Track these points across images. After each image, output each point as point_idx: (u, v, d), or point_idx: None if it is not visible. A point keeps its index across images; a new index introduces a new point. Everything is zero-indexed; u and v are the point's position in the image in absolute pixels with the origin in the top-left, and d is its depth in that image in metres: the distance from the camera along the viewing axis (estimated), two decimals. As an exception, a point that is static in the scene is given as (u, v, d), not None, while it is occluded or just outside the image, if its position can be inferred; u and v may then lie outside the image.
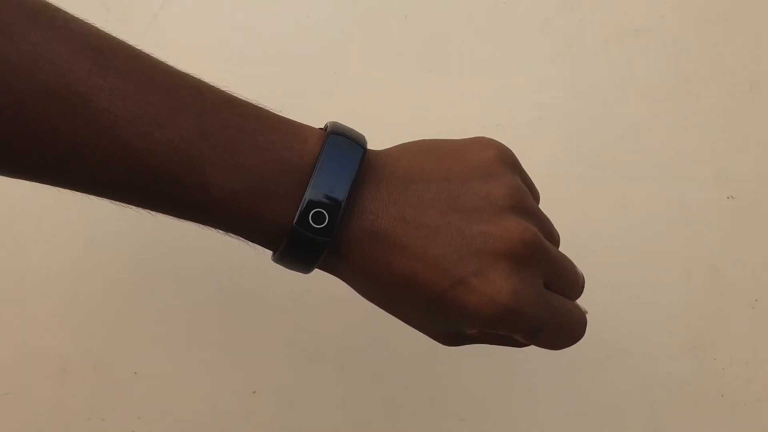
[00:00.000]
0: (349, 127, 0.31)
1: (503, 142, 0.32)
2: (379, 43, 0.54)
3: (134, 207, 0.29)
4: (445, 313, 0.30)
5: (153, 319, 0.52)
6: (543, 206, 0.32)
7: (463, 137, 0.33)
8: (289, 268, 0.31)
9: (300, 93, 0.52)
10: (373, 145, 0.31)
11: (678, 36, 0.56)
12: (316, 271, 0.31)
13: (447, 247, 0.29)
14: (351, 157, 0.29)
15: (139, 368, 0.52)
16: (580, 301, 0.33)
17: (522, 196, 0.31)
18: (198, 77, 0.29)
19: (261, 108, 0.30)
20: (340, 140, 0.30)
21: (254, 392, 0.53)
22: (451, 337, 0.33)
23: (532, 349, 0.33)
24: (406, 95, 0.54)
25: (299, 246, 0.29)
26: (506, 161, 0.32)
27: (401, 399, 0.54)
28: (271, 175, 0.28)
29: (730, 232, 0.55)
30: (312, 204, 0.28)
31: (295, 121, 0.30)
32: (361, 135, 0.31)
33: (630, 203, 0.55)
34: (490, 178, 0.31)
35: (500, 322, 0.29)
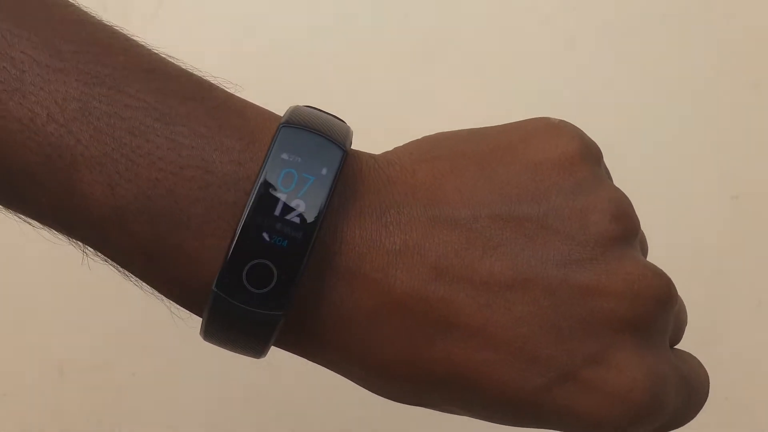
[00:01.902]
0: (320, 113, 0.20)
1: None
2: (379, 42, 0.54)
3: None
4: (531, 420, 0.19)
5: (150, 320, 0.52)
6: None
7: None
8: (227, 349, 0.20)
9: (298, 92, 0.52)
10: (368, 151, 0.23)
11: (681, 35, 0.56)
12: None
13: (531, 321, 0.18)
14: (321, 163, 0.18)
15: (137, 369, 0.52)
16: None
17: (632, 216, 0.20)
18: (108, 25, 0.19)
19: (201, 80, 0.19)
20: (301, 135, 0.18)
21: (253, 394, 0.53)
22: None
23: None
24: (405, 94, 0.54)
25: (228, 320, 0.18)
26: (592, 157, 0.21)
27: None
28: (185, 190, 0.17)
29: (733, 233, 0.55)
30: (248, 249, 0.17)
31: (249, 104, 0.20)
32: (343, 125, 0.20)
33: (632, 203, 0.54)
34: (581, 191, 0.19)
35: (630, 425, 0.19)
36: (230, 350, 0.20)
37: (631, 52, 0.55)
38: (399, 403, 0.21)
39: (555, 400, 0.18)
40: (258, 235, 0.17)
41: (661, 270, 0.20)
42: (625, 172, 0.54)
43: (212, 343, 0.20)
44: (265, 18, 0.54)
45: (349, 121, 0.23)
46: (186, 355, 0.52)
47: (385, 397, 0.21)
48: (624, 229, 0.20)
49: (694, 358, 0.23)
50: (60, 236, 0.20)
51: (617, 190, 0.21)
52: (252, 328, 0.18)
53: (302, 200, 0.17)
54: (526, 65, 0.55)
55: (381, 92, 0.53)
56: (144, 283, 0.20)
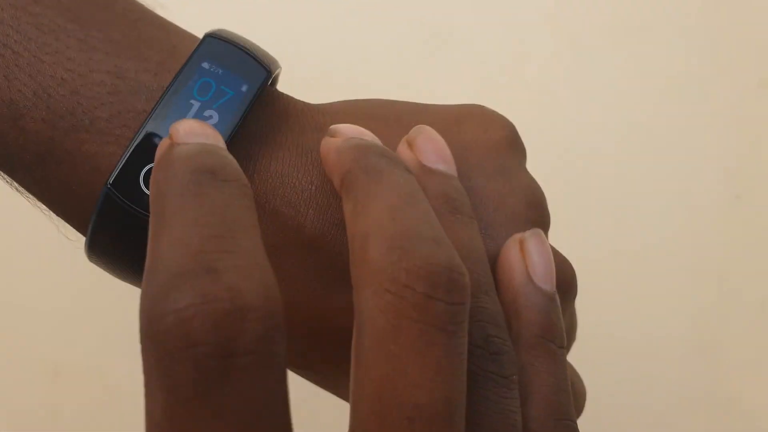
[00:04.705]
0: (250, 40, 0.19)
1: None
2: (378, 40, 0.54)
3: None
4: None
5: (148, 321, 0.52)
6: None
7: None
8: (112, 273, 0.19)
9: (297, 88, 0.51)
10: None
11: (684, 33, 0.55)
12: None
13: None
14: (242, 79, 0.17)
15: (134, 372, 0.51)
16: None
17: (546, 209, 0.21)
18: None
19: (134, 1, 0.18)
20: (226, 48, 0.17)
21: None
22: None
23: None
24: (405, 91, 0.53)
25: (118, 225, 0.17)
26: (518, 148, 0.22)
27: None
28: (92, 93, 0.16)
29: (737, 233, 0.54)
30: (150, 149, 0.16)
31: (174, 24, 0.19)
32: (272, 56, 0.20)
33: (634, 203, 0.54)
34: (501, 175, 0.20)
35: None
36: (115, 272, 0.18)
37: (633, 51, 0.55)
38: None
39: None
40: (161, 131, 0.16)
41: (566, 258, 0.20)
42: (626, 172, 0.54)
43: (97, 260, 0.18)
44: (263, 16, 0.53)
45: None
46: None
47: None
48: (539, 216, 0.20)
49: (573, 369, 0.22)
50: None
51: (536, 182, 0.21)
52: (143, 236, 0.16)
53: (216, 112, 0.17)
54: (526, 64, 0.55)
55: (380, 91, 0.53)
56: (30, 195, 0.18)
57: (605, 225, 0.54)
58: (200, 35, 0.19)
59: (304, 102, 0.21)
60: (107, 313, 0.52)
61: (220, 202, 0.14)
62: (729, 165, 0.55)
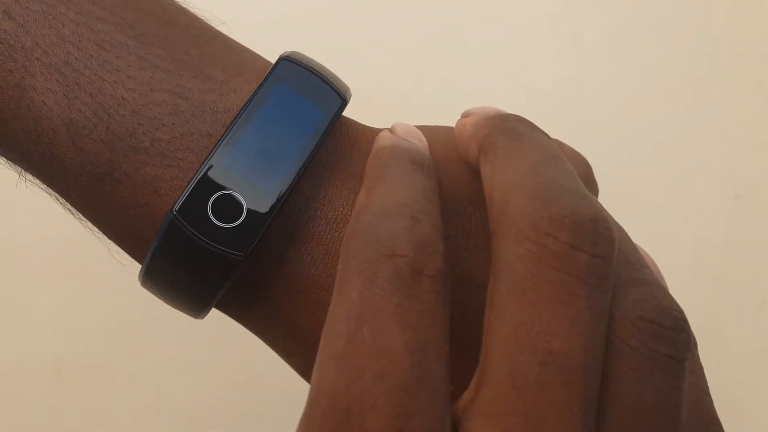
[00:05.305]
0: (322, 65, 0.19)
1: None
2: (379, 40, 0.54)
3: None
4: None
5: (150, 321, 0.52)
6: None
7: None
8: (164, 300, 0.17)
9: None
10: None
11: (684, 33, 0.55)
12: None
13: None
14: (317, 105, 0.16)
15: (136, 372, 0.52)
16: None
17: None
18: None
19: (185, 9, 0.18)
20: (301, 73, 0.17)
21: (255, 396, 0.52)
22: None
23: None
24: (405, 92, 0.53)
25: (179, 256, 0.15)
26: (593, 187, 0.21)
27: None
28: (153, 114, 0.16)
29: (737, 233, 0.54)
30: (217, 178, 0.15)
31: (237, 42, 0.19)
32: (344, 83, 0.19)
33: (634, 203, 0.54)
34: None
35: None
36: (168, 298, 0.17)
37: (634, 52, 0.55)
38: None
39: None
40: (231, 163, 0.15)
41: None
42: (626, 172, 0.54)
43: (150, 286, 0.17)
44: (261, 10, 0.53)
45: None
46: (186, 357, 0.52)
47: None
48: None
49: None
50: None
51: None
52: (206, 266, 0.15)
53: (288, 139, 0.16)
54: (528, 64, 0.55)
55: (379, 89, 0.53)
56: (83, 217, 0.18)
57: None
58: (258, 50, 0.19)
59: (369, 127, 0.20)
60: (110, 312, 0.52)
61: (422, 184, 0.16)
62: (729, 165, 0.55)
